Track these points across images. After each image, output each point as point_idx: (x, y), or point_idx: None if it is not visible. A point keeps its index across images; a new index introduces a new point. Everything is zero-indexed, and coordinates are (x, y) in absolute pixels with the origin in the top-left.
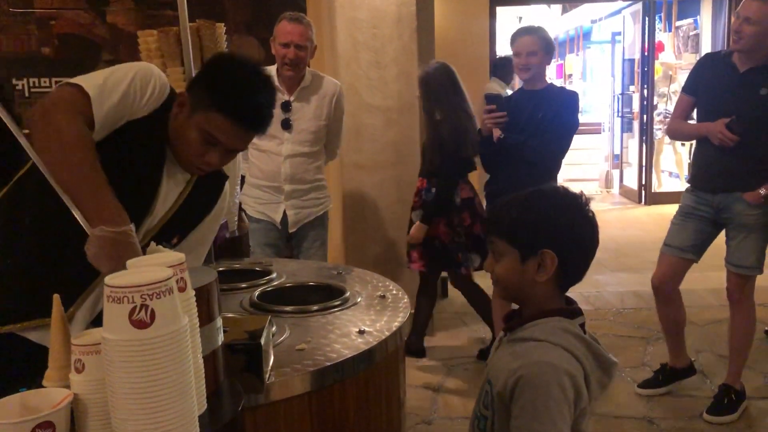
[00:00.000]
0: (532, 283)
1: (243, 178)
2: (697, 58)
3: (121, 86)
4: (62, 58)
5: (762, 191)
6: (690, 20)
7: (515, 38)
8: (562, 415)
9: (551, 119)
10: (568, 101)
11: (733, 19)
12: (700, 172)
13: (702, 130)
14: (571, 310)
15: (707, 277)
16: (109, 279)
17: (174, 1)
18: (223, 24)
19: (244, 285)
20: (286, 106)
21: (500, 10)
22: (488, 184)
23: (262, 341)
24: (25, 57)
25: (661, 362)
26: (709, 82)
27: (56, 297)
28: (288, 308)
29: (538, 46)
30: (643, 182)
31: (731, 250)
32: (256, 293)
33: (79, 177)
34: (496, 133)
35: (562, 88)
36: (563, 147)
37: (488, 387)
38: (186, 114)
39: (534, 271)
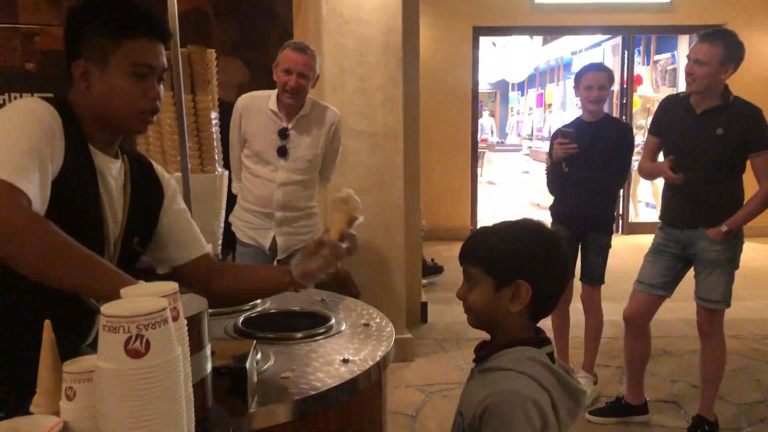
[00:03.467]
0: (505, 312)
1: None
2: (675, 92)
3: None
4: (46, 74)
5: (723, 228)
6: (668, 55)
7: (586, 72)
8: None
9: (611, 152)
10: (623, 135)
11: (685, 62)
12: (667, 209)
13: (656, 170)
14: (539, 340)
15: (682, 307)
16: (105, 308)
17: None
18: (213, 50)
19: (228, 310)
20: (284, 133)
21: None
22: (555, 205)
23: (247, 365)
24: (8, 72)
25: (618, 395)
26: (670, 123)
27: (47, 323)
28: (272, 335)
29: (607, 81)
30: (621, 212)
31: (699, 285)
32: (241, 319)
33: (69, 266)
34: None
35: (618, 120)
36: (622, 179)
37: (460, 418)
38: (97, 75)
39: (507, 301)
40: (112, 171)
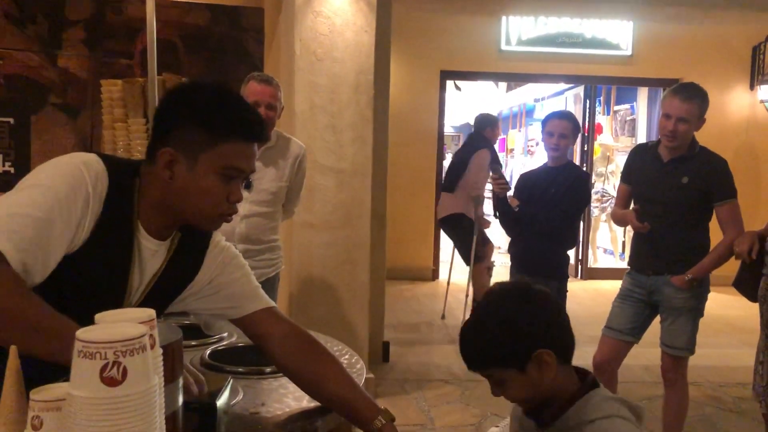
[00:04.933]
0: (544, 382)
1: None
2: (633, 142)
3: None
4: (8, 98)
5: (687, 276)
6: (627, 106)
7: (551, 118)
8: None
9: (561, 195)
10: (578, 180)
11: (662, 119)
12: (634, 255)
13: (623, 218)
14: (592, 381)
15: (641, 353)
16: (81, 333)
17: (129, 50)
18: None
19: (194, 343)
20: None
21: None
22: (510, 246)
23: (219, 402)
24: None
25: None
26: (639, 172)
27: (13, 348)
28: (241, 369)
29: (569, 131)
30: (580, 257)
31: (664, 332)
32: (207, 352)
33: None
34: (513, 202)
35: (578, 168)
36: (569, 222)
37: None
38: (185, 168)
39: (539, 374)
40: (154, 253)
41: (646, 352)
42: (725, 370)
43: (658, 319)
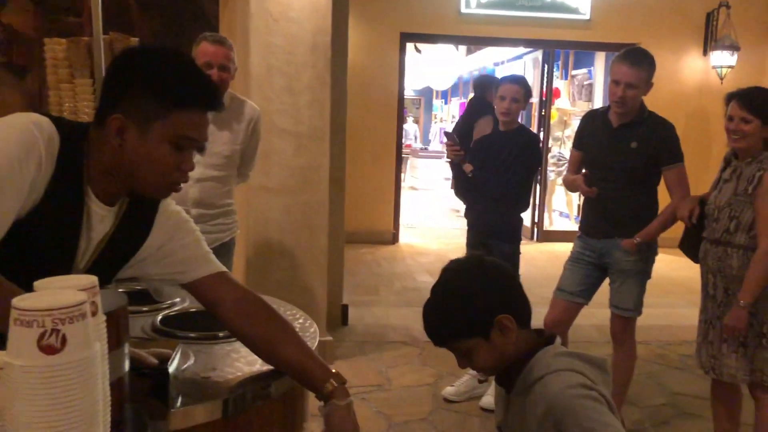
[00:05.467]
0: (507, 346)
1: None
2: (590, 107)
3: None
4: None
5: (636, 239)
6: (584, 70)
7: (503, 82)
8: (608, 415)
9: (513, 159)
10: (528, 143)
11: (611, 86)
12: (585, 219)
13: (573, 184)
14: (547, 338)
15: (592, 313)
16: (17, 301)
17: (77, 7)
18: (138, 39)
19: (145, 309)
20: None
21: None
22: (466, 211)
23: (171, 368)
24: None
25: None
26: (590, 138)
27: None
28: (193, 334)
29: (521, 95)
30: (536, 220)
31: (613, 294)
32: (159, 317)
33: None
34: (468, 168)
35: (528, 131)
36: (522, 185)
37: None
38: (135, 135)
39: (502, 339)
40: (102, 217)
41: (598, 312)
42: (672, 329)
43: (607, 280)
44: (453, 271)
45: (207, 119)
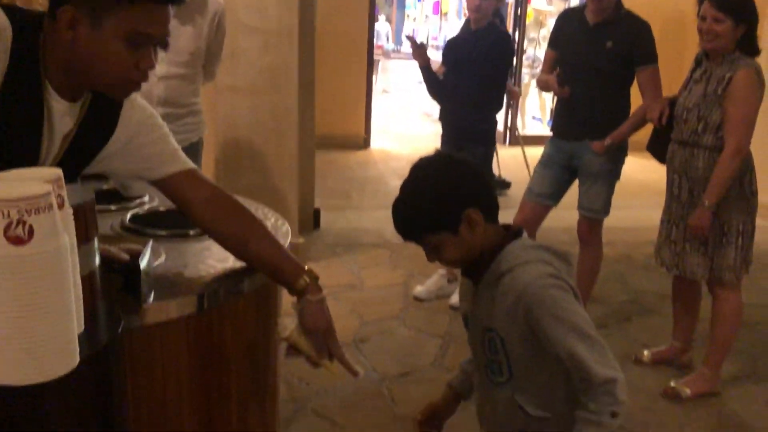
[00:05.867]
0: (476, 240)
1: None
2: (567, 6)
3: None
4: None
5: (606, 141)
6: None
7: None
8: (575, 303)
9: (483, 58)
10: (497, 41)
11: None
12: (556, 121)
13: (546, 83)
14: (515, 232)
15: (561, 216)
16: None
17: None
18: None
19: (113, 207)
20: None
21: None
22: (440, 114)
23: (143, 264)
24: None
25: None
26: (565, 37)
27: None
28: (163, 232)
29: None
30: (509, 124)
31: (581, 195)
32: (128, 216)
33: None
34: (440, 70)
35: (498, 29)
36: (492, 86)
37: (490, 334)
38: (87, 29)
39: (470, 233)
40: (63, 113)
41: (567, 215)
42: (639, 230)
43: (576, 183)
44: (421, 168)
45: (167, 13)
